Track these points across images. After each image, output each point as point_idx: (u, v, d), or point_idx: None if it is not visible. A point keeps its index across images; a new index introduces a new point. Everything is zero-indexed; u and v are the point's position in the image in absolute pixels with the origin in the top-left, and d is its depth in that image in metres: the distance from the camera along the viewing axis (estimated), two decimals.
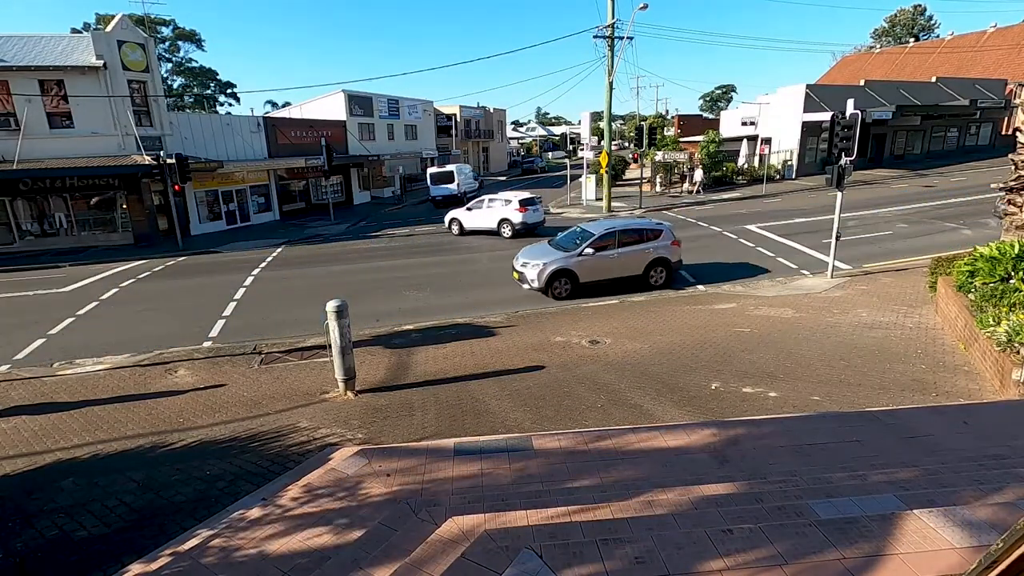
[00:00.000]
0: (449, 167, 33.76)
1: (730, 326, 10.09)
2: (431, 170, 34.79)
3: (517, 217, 20.83)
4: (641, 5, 24.16)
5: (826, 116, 25.66)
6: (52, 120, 21.34)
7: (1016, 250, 8.66)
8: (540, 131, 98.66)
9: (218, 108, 58.52)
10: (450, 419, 6.76)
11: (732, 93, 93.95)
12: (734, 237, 18.72)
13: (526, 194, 21.94)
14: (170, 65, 55.07)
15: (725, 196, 29.15)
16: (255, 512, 4.56)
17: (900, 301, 10.88)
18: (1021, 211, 10.80)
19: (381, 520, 4.09)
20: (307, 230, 25.95)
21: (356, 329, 9.40)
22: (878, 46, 66.98)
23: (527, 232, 20.80)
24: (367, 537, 3.91)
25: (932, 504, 3.53)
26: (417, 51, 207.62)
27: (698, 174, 30.76)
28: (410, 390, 7.82)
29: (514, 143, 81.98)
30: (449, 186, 32.17)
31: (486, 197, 22.36)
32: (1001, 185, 11.36)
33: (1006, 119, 40.31)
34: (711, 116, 68.13)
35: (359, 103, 37.67)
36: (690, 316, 10.94)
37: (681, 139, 45.39)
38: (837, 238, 13.07)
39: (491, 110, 60.38)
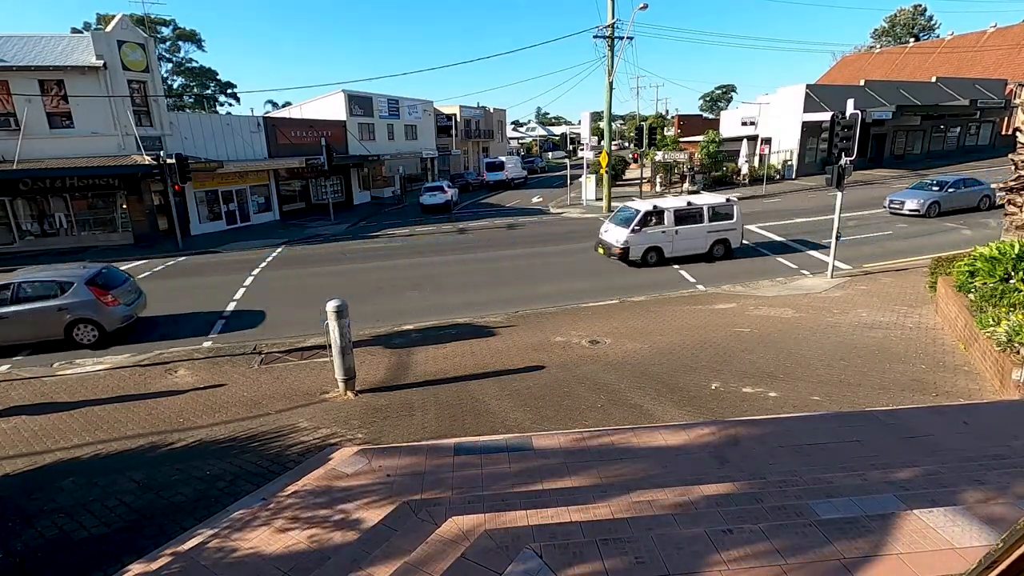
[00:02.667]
0: (501, 158, 45.25)
1: (730, 326, 10.09)
2: (486, 159, 45.55)
3: (420, 197, 31.21)
4: (641, 5, 24.16)
5: (826, 116, 25.63)
6: (52, 120, 21.32)
7: (1016, 250, 8.66)
8: (540, 131, 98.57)
9: (218, 108, 58.55)
10: (450, 419, 6.76)
11: (732, 93, 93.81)
12: None
13: (435, 183, 32.32)
14: (170, 65, 55.09)
15: None
16: (255, 512, 4.56)
17: (900, 301, 10.87)
18: (1021, 211, 10.81)
19: (381, 520, 4.09)
20: (307, 230, 25.94)
21: (356, 329, 9.40)
22: (878, 46, 66.94)
23: (434, 210, 29.86)
24: (367, 537, 3.91)
25: (932, 504, 3.53)
26: (417, 51, 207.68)
27: (744, 168, 32.97)
28: (410, 390, 7.83)
29: (514, 143, 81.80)
30: (499, 173, 42.06)
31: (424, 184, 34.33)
32: (1001, 185, 11.37)
33: (1006, 119, 40.30)
34: (711, 116, 68.07)
35: (359, 103, 37.64)
36: (690, 316, 10.94)
37: (681, 139, 45.41)
38: (837, 238, 13.07)
39: (491, 110, 60.26)
